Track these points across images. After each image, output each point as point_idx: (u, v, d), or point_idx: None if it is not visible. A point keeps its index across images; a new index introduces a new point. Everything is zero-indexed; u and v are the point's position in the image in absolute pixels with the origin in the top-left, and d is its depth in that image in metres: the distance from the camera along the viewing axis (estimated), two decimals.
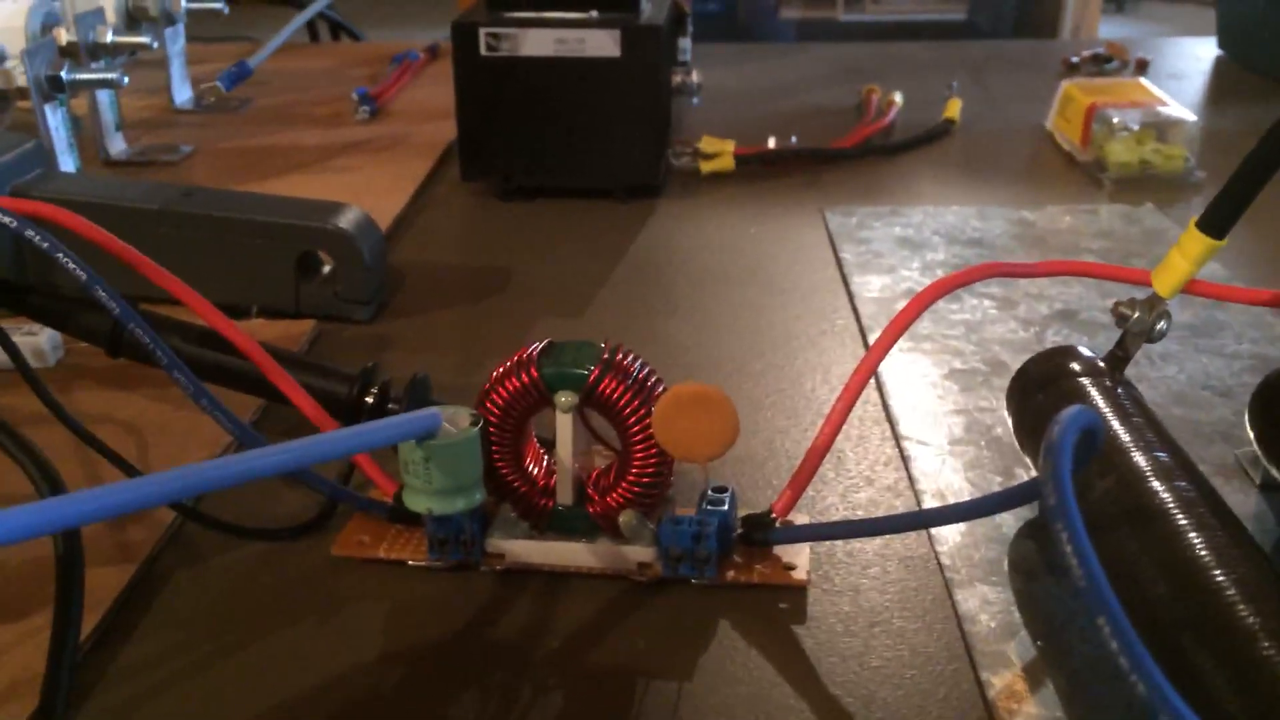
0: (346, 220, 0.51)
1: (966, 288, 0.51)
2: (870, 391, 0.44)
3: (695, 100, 0.85)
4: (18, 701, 0.29)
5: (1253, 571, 0.27)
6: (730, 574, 0.33)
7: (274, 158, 0.74)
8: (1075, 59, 0.95)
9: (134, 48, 0.70)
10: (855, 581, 0.34)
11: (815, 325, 0.51)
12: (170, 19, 0.80)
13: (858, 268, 0.56)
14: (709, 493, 0.34)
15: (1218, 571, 0.27)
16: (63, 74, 0.61)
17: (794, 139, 0.73)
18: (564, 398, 0.33)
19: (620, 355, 0.33)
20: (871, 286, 0.54)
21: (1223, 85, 0.94)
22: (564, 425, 0.33)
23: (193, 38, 0.87)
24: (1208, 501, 0.29)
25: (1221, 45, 1.01)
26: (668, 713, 0.29)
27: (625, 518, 0.33)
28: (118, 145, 0.73)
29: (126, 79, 0.64)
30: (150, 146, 0.75)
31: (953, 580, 0.33)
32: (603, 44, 0.62)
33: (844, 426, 0.34)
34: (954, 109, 0.80)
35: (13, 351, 0.38)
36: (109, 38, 0.68)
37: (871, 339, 0.49)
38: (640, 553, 0.34)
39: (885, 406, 0.43)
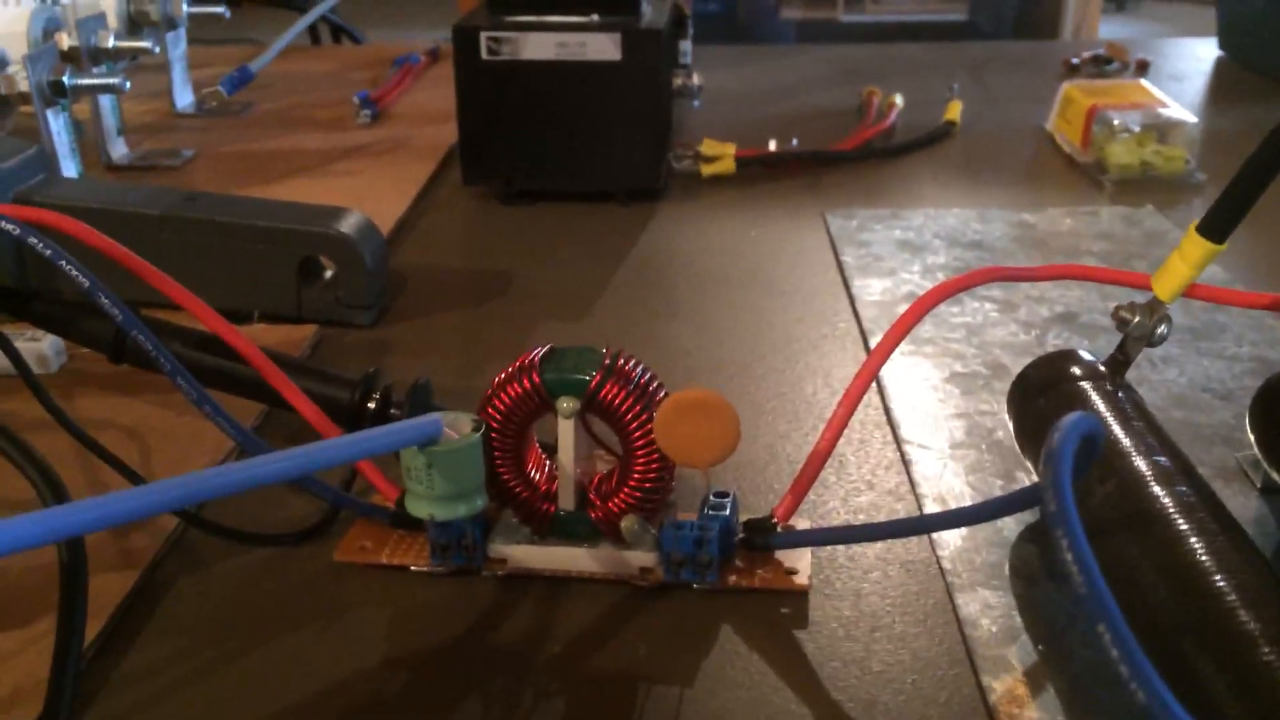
0: (348, 225, 0.51)
1: (967, 291, 0.52)
2: (871, 395, 0.44)
3: (696, 103, 0.85)
4: (21, 708, 0.29)
5: (1253, 576, 0.27)
6: (732, 579, 0.34)
7: (276, 162, 0.74)
8: (1076, 60, 0.95)
9: (135, 52, 0.71)
10: (856, 586, 0.34)
11: (816, 328, 0.51)
12: (172, 23, 0.80)
13: (859, 270, 0.56)
14: (710, 497, 0.34)
15: (1218, 576, 0.27)
16: (65, 79, 0.62)
17: (795, 141, 0.73)
18: (566, 403, 0.33)
19: (622, 361, 0.33)
20: (872, 289, 0.54)
21: (1223, 86, 0.94)
22: (566, 431, 0.33)
23: (194, 40, 0.87)
24: (1208, 506, 0.30)
25: (1222, 46, 1.01)
26: (669, 718, 0.29)
27: (627, 523, 0.33)
28: (119, 150, 0.73)
29: (129, 84, 0.64)
30: (152, 151, 0.75)
31: (954, 584, 0.34)
32: (603, 47, 0.62)
33: (845, 430, 0.34)
34: (954, 111, 0.80)
35: (15, 357, 0.38)
36: (111, 42, 0.68)
37: (873, 342, 0.49)
38: (642, 558, 0.34)
39: (886, 410, 0.43)
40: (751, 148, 0.71)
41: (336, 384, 0.40)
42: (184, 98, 0.85)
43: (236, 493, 0.26)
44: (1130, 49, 0.98)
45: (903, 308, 0.52)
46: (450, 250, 0.62)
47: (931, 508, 0.37)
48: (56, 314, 0.42)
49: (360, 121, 0.82)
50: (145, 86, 0.88)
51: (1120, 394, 0.35)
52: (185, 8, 0.80)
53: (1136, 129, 0.69)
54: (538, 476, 0.35)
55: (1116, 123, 0.69)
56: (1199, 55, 1.02)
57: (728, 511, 0.34)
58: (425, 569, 0.34)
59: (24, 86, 0.60)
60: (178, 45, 0.83)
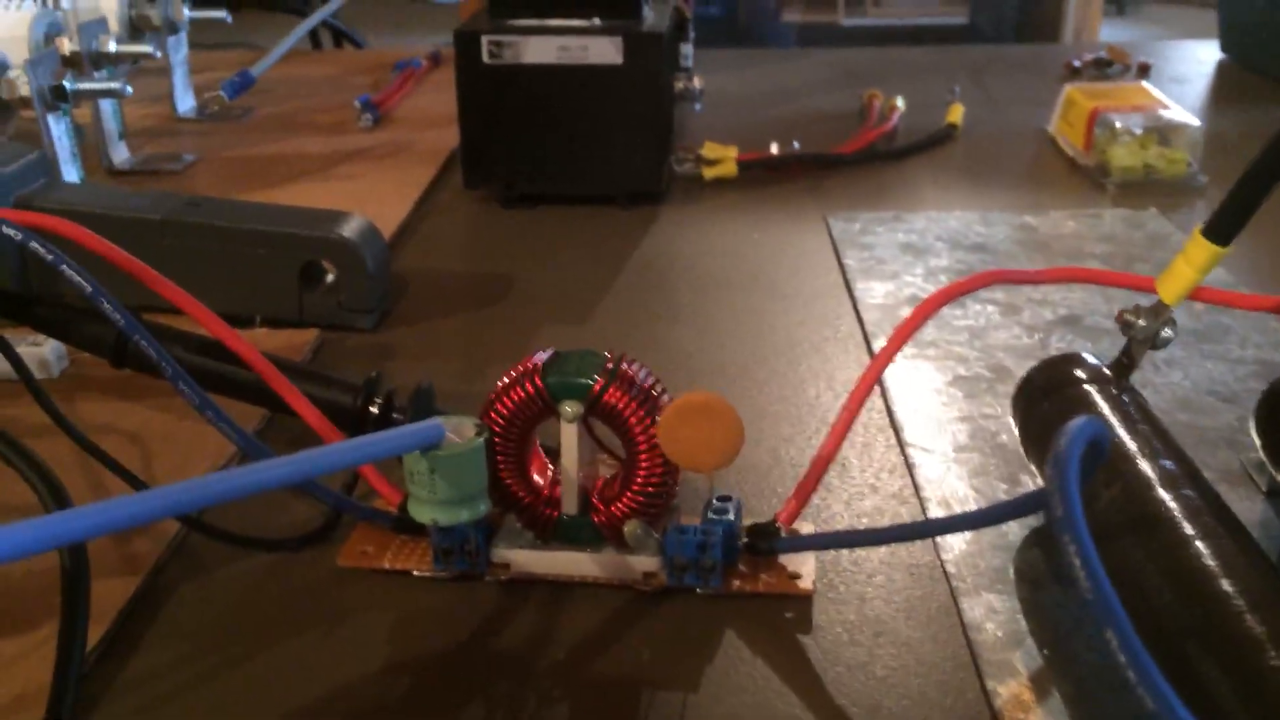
0: (350, 229, 0.51)
1: (970, 294, 0.51)
2: (874, 398, 0.44)
3: (697, 106, 0.85)
4: (24, 713, 0.29)
5: (1259, 580, 0.27)
6: (735, 583, 0.33)
7: (277, 166, 0.74)
8: (1077, 63, 0.95)
9: (137, 57, 0.71)
10: (860, 590, 0.34)
11: (819, 332, 0.51)
12: (173, 28, 0.80)
13: (861, 274, 0.56)
14: (714, 502, 0.34)
15: (1224, 580, 0.27)
16: (66, 83, 0.61)
17: (796, 144, 0.73)
18: (569, 407, 0.33)
19: (625, 365, 0.33)
20: (875, 293, 0.54)
21: (1225, 88, 0.94)
22: (569, 435, 0.33)
23: (195, 45, 0.87)
24: (1213, 509, 0.29)
25: (1224, 48, 1.01)
26: None
27: (630, 527, 0.33)
28: (121, 154, 0.73)
29: (130, 88, 0.64)
30: (153, 155, 0.75)
31: (958, 589, 0.33)
32: (605, 51, 0.62)
33: (848, 434, 0.34)
34: (956, 114, 0.80)
35: (17, 362, 0.38)
36: (112, 47, 0.68)
37: (875, 345, 0.49)
38: (645, 562, 0.34)
39: (889, 413, 0.43)
40: (753, 151, 0.71)
41: (339, 388, 0.40)
42: (185, 102, 0.85)
43: (239, 498, 0.26)
44: (1132, 52, 0.98)
45: (905, 310, 0.51)
46: (452, 254, 0.61)
47: (935, 511, 0.37)
48: (58, 318, 0.42)
49: (362, 126, 0.82)
50: (146, 91, 0.88)
51: (1125, 397, 0.35)
52: (186, 12, 0.80)
53: (1138, 132, 0.69)
54: (541, 481, 0.34)
55: (1118, 125, 0.69)
56: (1200, 58, 1.02)
57: (731, 516, 0.34)
58: (428, 574, 0.34)
59: (25, 91, 0.60)
60: (179, 50, 0.83)
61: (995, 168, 0.73)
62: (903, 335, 0.34)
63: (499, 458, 0.33)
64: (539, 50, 0.63)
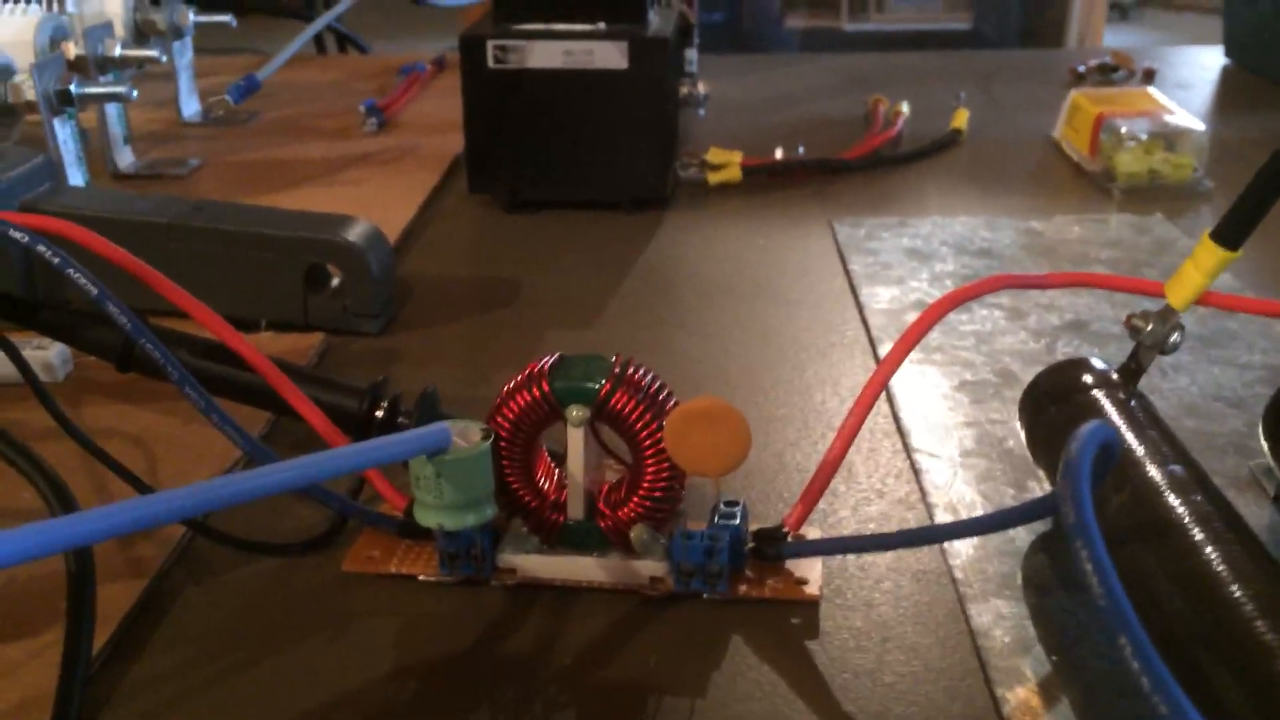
0: (355, 233, 0.51)
1: (977, 299, 0.51)
2: (881, 403, 0.44)
3: (701, 111, 0.85)
4: (29, 717, 0.29)
5: (1269, 585, 0.27)
6: (742, 589, 0.33)
7: (282, 170, 0.74)
8: (1082, 68, 0.95)
9: (142, 61, 0.71)
10: (868, 596, 0.34)
11: (824, 337, 0.50)
12: (178, 32, 0.80)
13: (866, 279, 0.56)
14: (720, 507, 0.34)
15: (1234, 586, 0.27)
16: (71, 88, 0.62)
17: (801, 150, 0.73)
18: (575, 412, 0.32)
19: (631, 369, 0.33)
20: (880, 298, 0.54)
21: (1230, 94, 0.94)
22: (575, 439, 0.33)
23: (200, 51, 0.87)
24: (1223, 515, 0.29)
25: (1228, 53, 1.01)
26: None
27: (637, 532, 0.32)
28: (126, 159, 0.73)
29: (135, 93, 0.64)
30: (158, 160, 0.75)
31: (966, 595, 0.33)
32: (610, 56, 0.62)
33: (855, 439, 0.34)
34: (961, 119, 0.80)
35: (22, 366, 0.38)
36: (117, 51, 0.69)
37: (881, 350, 0.49)
38: (652, 567, 0.33)
39: (896, 419, 0.43)
40: (758, 156, 0.71)
41: (344, 392, 0.40)
42: (190, 107, 0.85)
43: (244, 502, 0.25)
44: (1136, 57, 0.98)
45: (911, 315, 0.51)
46: (456, 259, 0.61)
47: (942, 517, 0.37)
48: (63, 322, 0.42)
49: (366, 130, 0.82)
50: (152, 96, 0.88)
51: (1133, 403, 0.35)
52: (192, 17, 0.81)
53: (1144, 137, 0.69)
54: (547, 486, 0.34)
55: (1124, 131, 0.69)
56: (1205, 63, 1.02)
57: (738, 521, 0.33)
58: (434, 579, 0.34)
59: (30, 95, 0.60)
60: (184, 54, 0.83)
61: (1000, 173, 0.73)
62: (911, 340, 0.34)
63: (505, 462, 0.33)
64: (544, 55, 0.63)
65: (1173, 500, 0.30)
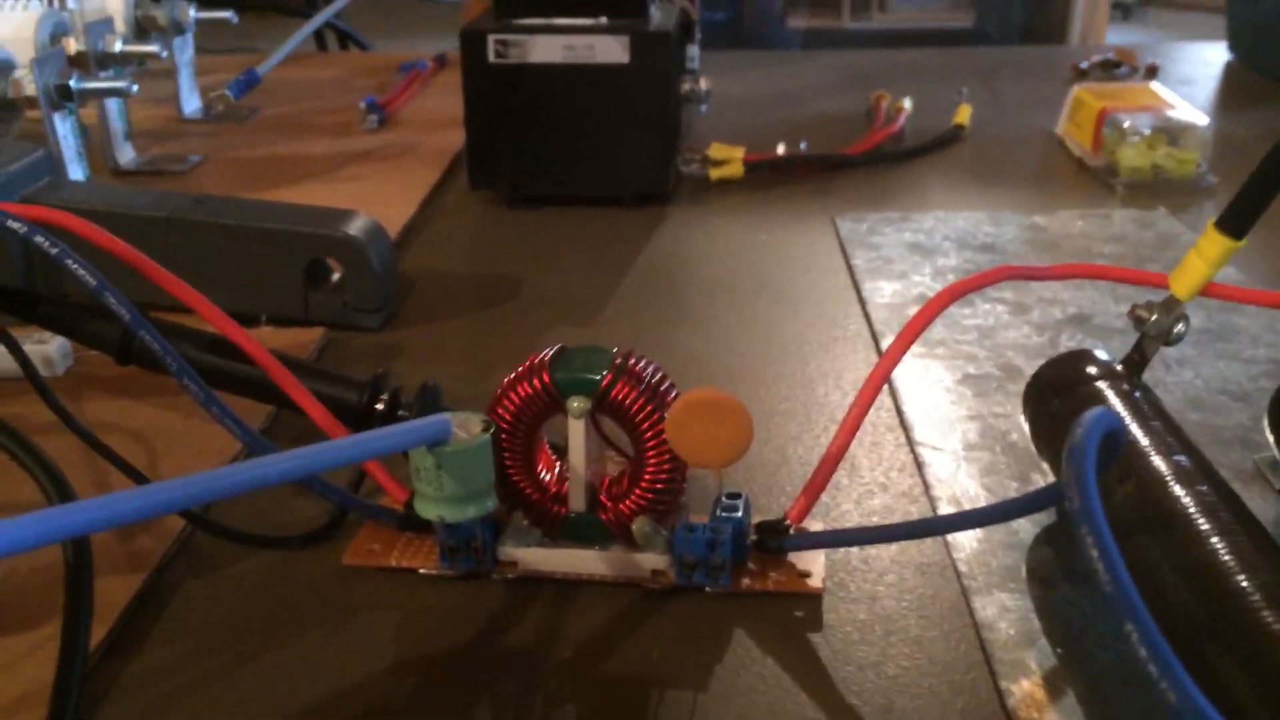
0: (355, 228, 0.51)
1: (979, 292, 0.51)
2: (883, 397, 0.44)
3: (703, 108, 0.85)
4: (27, 712, 0.29)
5: (1276, 575, 0.27)
6: (745, 581, 0.33)
7: (282, 167, 0.74)
8: (1084, 64, 0.95)
9: (143, 57, 0.70)
10: (871, 589, 0.33)
11: (827, 332, 0.50)
12: (179, 28, 0.80)
13: (869, 274, 0.56)
14: (723, 499, 0.34)
15: (1241, 576, 0.27)
16: (71, 83, 0.61)
17: (803, 145, 0.72)
18: (576, 403, 0.32)
19: (633, 361, 0.33)
20: (883, 292, 0.54)
21: (1234, 90, 0.93)
22: (576, 431, 0.33)
23: (199, 49, 0.87)
24: (1229, 506, 0.29)
25: (1232, 49, 1.01)
26: None
27: (638, 525, 0.32)
28: (127, 155, 0.73)
29: (136, 88, 0.64)
30: (159, 156, 0.75)
31: (970, 587, 0.33)
32: (612, 50, 0.62)
33: (857, 432, 0.34)
34: (964, 115, 0.80)
35: (22, 360, 0.38)
36: (118, 47, 0.68)
37: (884, 344, 0.48)
38: (654, 560, 0.33)
39: (899, 412, 0.43)
40: (760, 152, 0.71)
41: (345, 385, 0.40)
42: (191, 103, 0.85)
43: (243, 493, 0.25)
44: (1139, 53, 0.98)
45: (914, 310, 0.51)
46: (457, 255, 0.61)
47: (945, 510, 0.37)
48: (63, 315, 0.42)
49: (367, 127, 0.82)
50: (152, 92, 0.88)
51: (1138, 394, 0.35)
52: (192, 13, 0.80)
53: (1147, 132, 0.68)
54: (548, 478, 0.34)
55: (1127, 125, 0.69)
56: (1208, 59, 1.01)
57: (740, 513, 0.33)
58: (434, 572, 0.34)
59: (31, 91, 0.60)
60: (185, 50, 0.83)
61: (1003, 169, 0.73)
62: (913, 331, 0.34)
63: (506, 454, 0.33)
64: (545, 49, 0.62)
65: (1178, 491, 0.29)
